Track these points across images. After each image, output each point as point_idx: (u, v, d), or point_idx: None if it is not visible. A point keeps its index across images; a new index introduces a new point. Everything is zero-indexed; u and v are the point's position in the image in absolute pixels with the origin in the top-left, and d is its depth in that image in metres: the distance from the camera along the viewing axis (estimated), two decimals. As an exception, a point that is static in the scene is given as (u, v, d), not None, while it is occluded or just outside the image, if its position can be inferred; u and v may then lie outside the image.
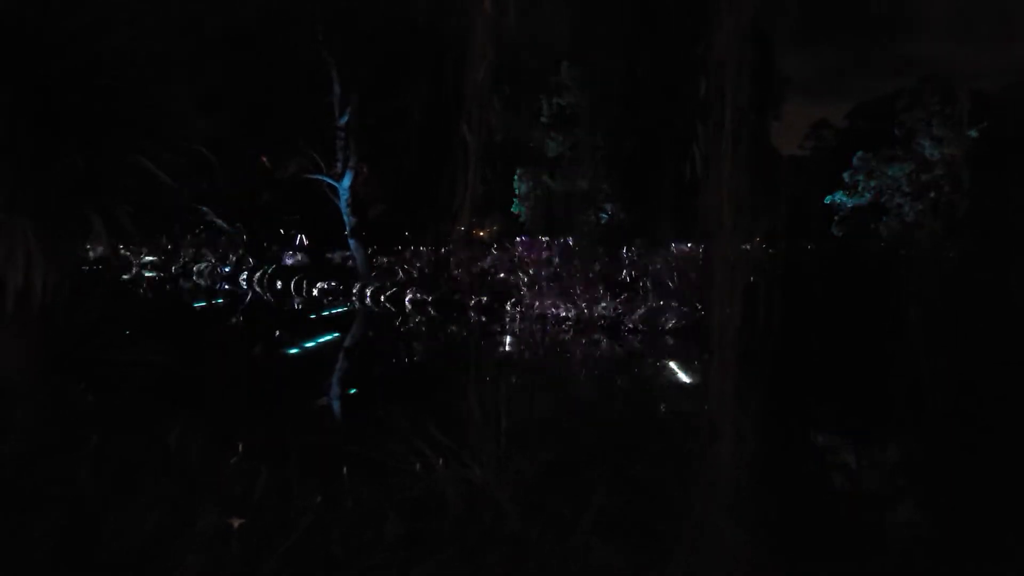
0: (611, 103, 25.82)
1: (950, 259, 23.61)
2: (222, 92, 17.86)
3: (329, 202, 28.15)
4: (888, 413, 11.85)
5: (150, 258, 34.53)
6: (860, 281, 22.37)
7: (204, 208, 29.33)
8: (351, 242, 28.13)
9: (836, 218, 29.52)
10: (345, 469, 4.71)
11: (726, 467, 4.80)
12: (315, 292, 28.10)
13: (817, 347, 16.96)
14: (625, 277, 22.88)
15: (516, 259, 25.12)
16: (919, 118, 27.65)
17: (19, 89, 5.07)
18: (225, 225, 31.20)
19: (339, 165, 27.39)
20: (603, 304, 20.62)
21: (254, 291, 29.32)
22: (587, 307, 20.81)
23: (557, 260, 24.24)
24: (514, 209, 29.22)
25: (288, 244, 34.16)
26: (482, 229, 28.10)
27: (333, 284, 28.02)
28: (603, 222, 27.89)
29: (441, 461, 4.71)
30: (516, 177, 28.85)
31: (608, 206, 28.19)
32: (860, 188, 28.77)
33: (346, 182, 27.52)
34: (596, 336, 19.30)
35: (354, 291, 27.10)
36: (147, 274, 33.62)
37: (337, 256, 31.68)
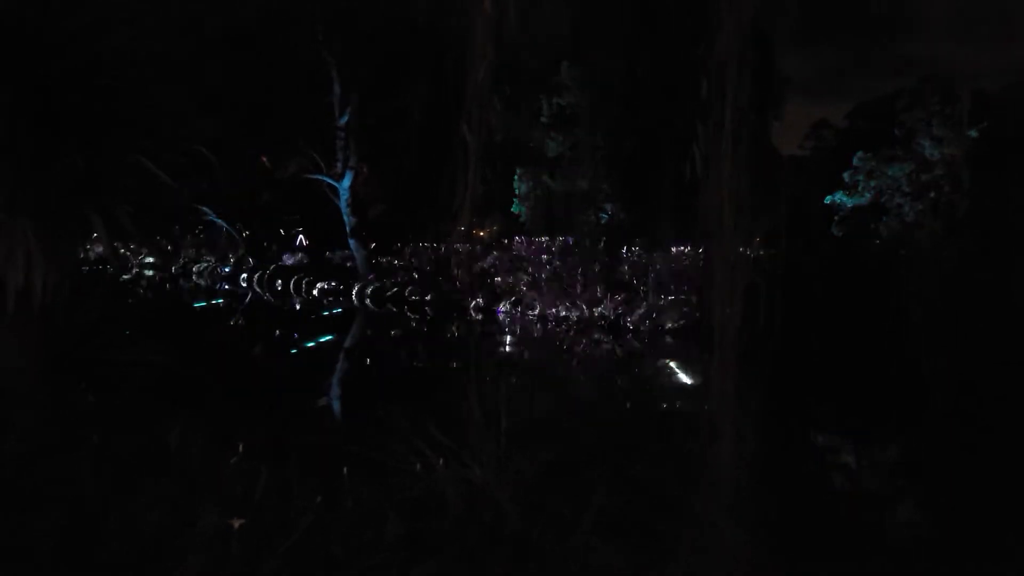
0: (611, 103, 25.81)
1: (950, 259, 23.59)
2: (222, 92, 17.84)
3: (329, 202, 28.14)
4: (888, 413, 11.85)
5: (150, 259, 34.53)
6: (860, 281, 22.37)
7: (204, 208, 29.30)
8: (351, 242, 28.12)
9: (836, 218, 29.50)
10: (345, 469, 4.72)
11: (726, 467, 4.80)
12: (315, 292, 28.10)
13: (817, 347, 16.96)
14: (625, 277, 22.88)
15: (516, 259, 25.11)
16: (919, 118, 27.63)
17: (19, 89, 5.07)
18: (225, 225, 31.19)
19: (339, 165, 27.38)
20: (603, 304, 20.62)
21: (254, 291, 29.32)
22: (587, 307, 20.81)
23: (557, 260, 24.24)
24: (514, 209, 29.21)
25: (288, 244, 34.16)
26: (482, 229, 28.09)
27: (333, 284, 28.01)
28: (603, 222, 27.88)
29: (441, 461, 4.71)
30: (516, 177, 28.84)
31: (608, 206, 28.18)
32: (860, 188, 28.76)
33: (346, 182, 27.52)
34: (596, 336, 19.30)
35: (354, 291, 27.10)
36: (147, 273, 33.63)
37: (337, 256, 31.68)
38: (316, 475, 4.56)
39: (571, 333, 19.80)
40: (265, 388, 10.96)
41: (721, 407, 4.98)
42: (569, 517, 4.16)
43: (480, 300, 23.35)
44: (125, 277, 30.03)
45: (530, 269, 23.79)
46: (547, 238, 25.97)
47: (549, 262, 24.07)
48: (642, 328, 19.54)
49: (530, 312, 21.88)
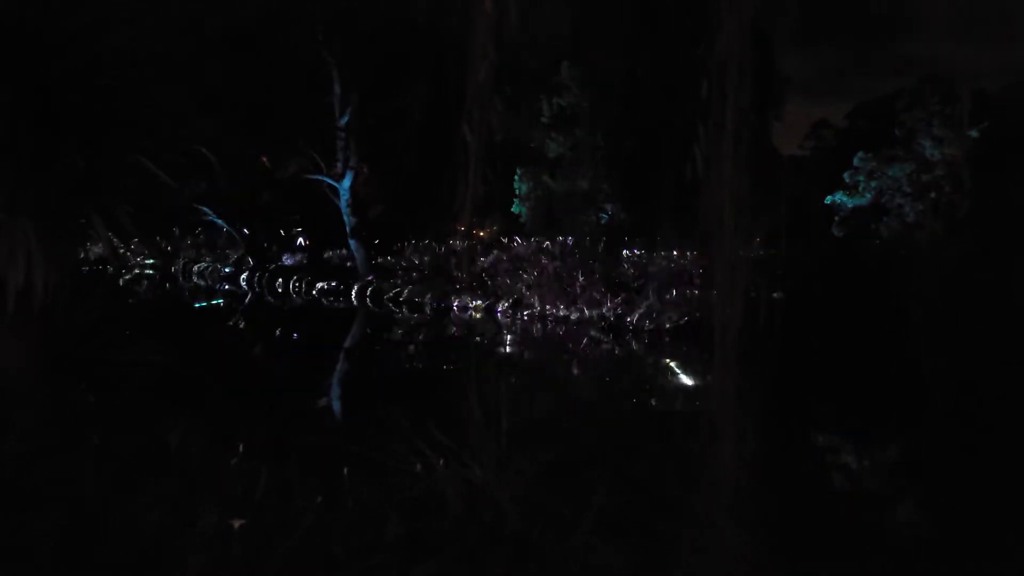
0: (611, 103, 25.84)
1: (950, 259, 23.60)
2: (222, 92, 17.87)
3: (329, 202, 28.13)
4: (888, 413, 11.85)
5: (150, 260, 34.53)
6: (860, 281, 22.37)
7: (204, 208, 29.32)
8: (351, 242, 28.12)
9: (836, 218, 29.53)
10: (345, 469, 4.71)
11: (726, 467, 4.79)
12: (315, 292, 28.11)
13: (817, 347, 16.96)
14: (624, 277, 22.89)
15: (515, 259, 25.11)
16: (919, 118, 27.66)
17: (19, 89, 5.07)
18: (225, 225, 31.19)
19: (339, 165, 27.38)
20: (602, 304, 20.62)
21: (254, 291, 29.33)
22: (586, 307, 20.81)
23: (556, 260, 24.24)
24: (514, 209, 29.23)
25: (288, 244, 34.17)
26: (482, 229, 28.10)
27: (333, 284, 28.02)
28: (603, 222, 27.90)
29: (441, 461, 4.71)
30: (516, 177, 28.86)
31: (608, 206, 28.20)
32: (860, 188, 28.79)
33: (346, 182, 27.51)
34: (595, 335, 19.30)
35: (354, 291, 27.11)
36: (147, 272, 33.62)
37: (336, 256, 31.69)
38: (316, 475, 4.56)
39: (570, 333, 19.81)
40: (265, 388, 10.97)
41: (721, 407, 4.97)
42: (569, 517, 4.16)
43: (480, 300, 23.35)
44: (126, 277, 30.03)
45: (529, 270, 23.78)
46: (543, 240, 25.98)
47: (548, 262, 24.06)
48: (642, 328, 19.54)
49: (529, 312, 21.89)
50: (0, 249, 5.06)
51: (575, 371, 16.14)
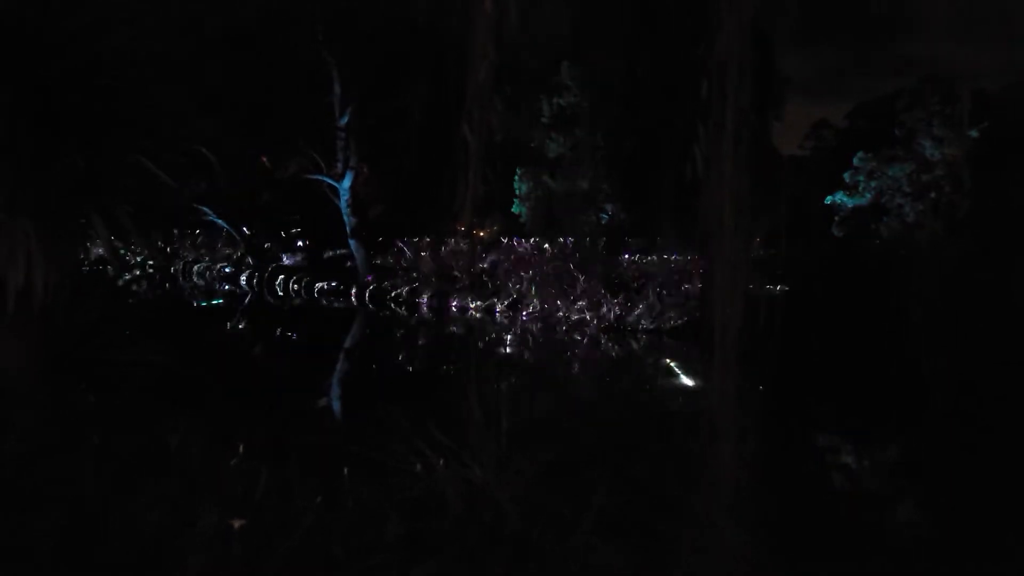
0: (611, 103, 25.84)
1: (950, 259, 23.60)
2: (222, 92, 17.85)
3: (329, 202, 28.13)
4: (888, 413, 11.85)
5: (151, 260, 34.51)
6: (861, 281, 22.37)
7: (204, 208, 29.32)
8: (351, 242, 28.12)
9: (836, 218, 29.51)
10: (345, 469, 4.71)
11: (726, 467, 4.79)
12: (315, 292, 28.11)
13: (817, 347, 16.96)
14: (624, 277, 22.89)
15: (515, 259, 25.11)
16: (919, 118, 27.65)
17: (19, 89, 5.07)
18: (225, 225, 31.19)
19: (339, 165, 27.38)
20: (602, 304, 20.62)
21: (254, 291, 29.33)
22: (586, 307, 20.81)
23: (555, 260, 24.23)
24: (515, 209, 29.22)
25: (288, 244, 34.15)
26: (483, 229, 28.09)
27: (333, 284, 28.02)
28: (603, 222, 27.89)
29: (441, 461, 4.71)
30: (517, 177, 28.85)
31: (608, 206, 28.20)
32: (861, 188, 28.77)
33: (346, 182, 27.51)
34: (595, 335, 19.30)
35: (353, 291, 27.12)
36: (148, 272, 33.60)
37: (337, 256, 31.68)
38: (316, 475, 4.56)
39: (570, 333, 19.80)
40: (265, 388, 10.96)
41: (721, 407, 4.97)
42: (569, 517, 4.16)
43: (479, 300, 23.35)
44: (126, 277, 30.03)
45: (529, 270, 23.77)
46: (543, 240, 25.97)
47: (548, 262, 24.05)
48: (641, 328, 19.54)
49: (528, 312, 21.88)
50: (0, 249, 5.07)
51: (575, 371, 16.14)
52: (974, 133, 27.27)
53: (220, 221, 30.73)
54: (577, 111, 27.79)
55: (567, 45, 26.05)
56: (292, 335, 20.32)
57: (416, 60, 23.29)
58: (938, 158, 27.36)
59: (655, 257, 23.55)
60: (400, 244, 28.95)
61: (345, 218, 27.81)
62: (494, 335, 19.82)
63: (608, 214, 28.24)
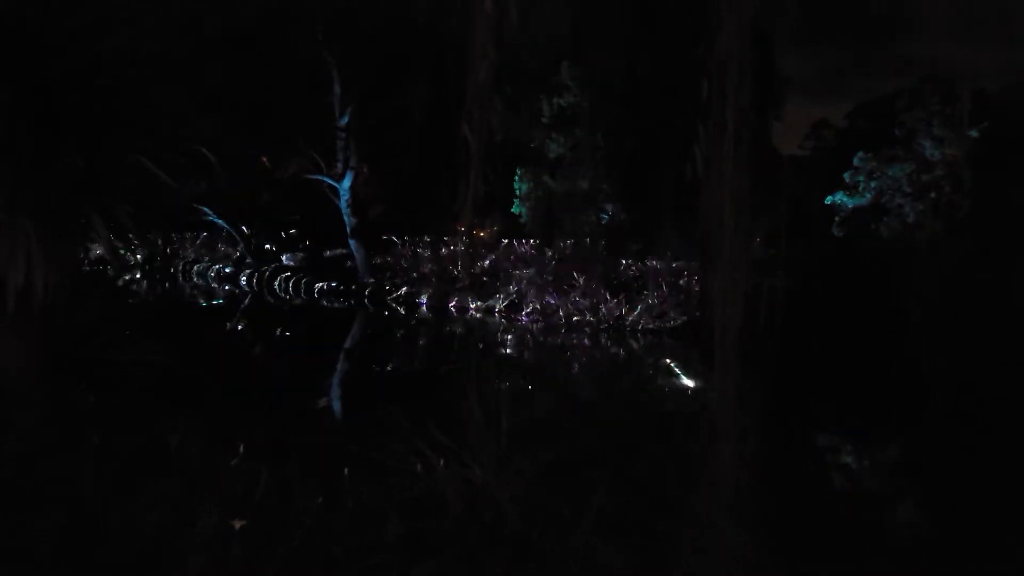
0: (612, 103, 25.83)
1: (951, 259, 23.60)
2: (222, 92, 17.87)
3: (329, 202, 28.12)
4: (888, 413, 11.85)
5: (150, 261, 34.50)
6: (861, 281, 22.38)
7: (204, 208, 29.32)
8: (351, 242, 28.12)
9: (837, 219, 29.50)
10: (346, 469, 4.71)
11: (726, 467, 4.79)
12: (315, 292, 28.11)
13: (817, 347, 16.97)
14: (624, 277, 22.89)
15: (515, 259, 25.12)
16: (920, 118, 27.64)
17: (19, 89, 5.07)
18: (225, 225, 31.18)
19: (339, 165, 27.37)
20: (602, 304, 20.62)
21: (254, 291, 29.32)
22: (586, 307, 20.80)
23: (555, 260, 24.24)
24: (515, 209, 29.21)
25: (288, 244, 34.14)
26: (483, 229, 28.07)
27: (333, 284, 28.02)
28: (604, 222, 27.89)
29: (441, 461, 4.71)
30: (517, 177, 28.85)
31: (609, 206, 28.19)
32: (861, 188, 28.76)
33: (346, 182, 27.51)
34: (595, 335, 19.30)
35: (353, 291, 27.12)
36: (148, 272, 33.61)
37: (337, 256, 31.66)
38: (316, 475, 4.56)
39: (570, 333, 19.81)
40: (265, 388, 10.96)
41: (721, 407, 4.97)
42: (569, 517, 4.16)
43: (479, 300, 23.35)
44: (126, 277, 30.03)
45: (529, 270, 23.77)
46: (543, 240, 25.97)
47: (548, 262, 24.05)
48: (641, 327, 19.54)
49: (528, 312, 21.88)
50: (0, 249, 5.07)
51: (574, 371, 16.14)
52: (974, 133, 27.26)
53: (220, 221, 30.72)
54: (577, 111, 27.78)
55: (567, 45, 26.04)
56: (292, 335, 20.32)
57: (416, 60, 23.29)
58: (938, 158, 27.35)
59: (655, 260, 23.53)
60: (400, 244, 28.95)
61: (345, 218, 27.80)
62: (494, 335, 19.82)
63: (608, 214, 28.24)
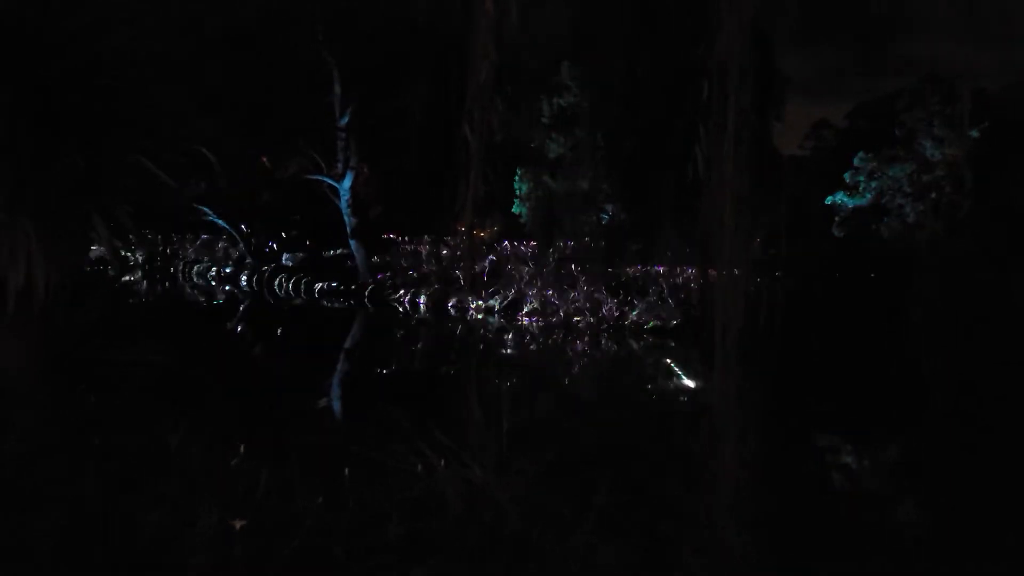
0: (612, 103, 25.82)
1: (951, 259, 23.61)
2: (222, 92, 17.85)
3: (329, 202, 28.13)
4: (888, 413, 11.84)
5: (150, 261, 34.50)
6: (861, 282, 22.38)
7: (204, 208, 29.33)
8: (352, 243, 28.13)
9: (837, 219, 29.49)
10: (346, 470, 4.71)
11: (726, 467, 4.79)
12: (315, 292, 28.12)
13: (817, 347, 16.96)
14: (625, 277, 22.89)
15: (515, 259, 25.11)
16: (920, 118, 27.63)
17: (19, 89, 5.07)
18: (225, 225, 31.18)
19: (339, 165, 27.38)
20: (602, 304, 20.61)
21: (254, 291, 29.32)
22: (586, 307, 20.80)
23: (555, 261, 24.24)
24: (515, 210, 29.21)
25: (288, 244, 34.15)
26: (483, 229, 28.06)
27: (333, 284, 28.02)
28: (604, 222, 27.88)
29: (442, 461, 4.71)
30: (517, 177, 28.84)
31: (609, 207, 28.19)
32: (861, 189, 28.75)
33: (347, 183, 27.51)
34: (595, 335, 19.29)
35: (353, 291, 27.13)
36: (148, 272, 33.61)
37: (337, 256, 31.67)
38: (316, 475, 4.56)
39: (570, 333, 19.80)
40: (265, 388, 10.95)
41: (721, 407, 4.97)
42: (569, 517, 4.15)
43: (479, 300, 23.34)
44: (126, 278, 30.04)
45: (529, 270, 23.76)
46: (543, 240, 25.97)
47: (548, 262, 24.05)
48: (641, 327, 19.54)
49: (528, 312, 21.88)
50: (1, 249, 5.07)
51: (574, 371, 16.13)
52: (975, 133, 27.25)
53: (220, 221, 30.72)
54: (577, 111, 27.79)
55: (567, 45, 26.05)
56: (292, 335, 20.31)
57: (416, 60, 23.28)
58: (938, 158, 27.35)
59: (656, 257, 23.53)
60: (400, 244, 28.96)
61: (345, 218, 27.81)
62: (493, 335, 19.81)
63: (608, 214, 28.23)
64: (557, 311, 21.24)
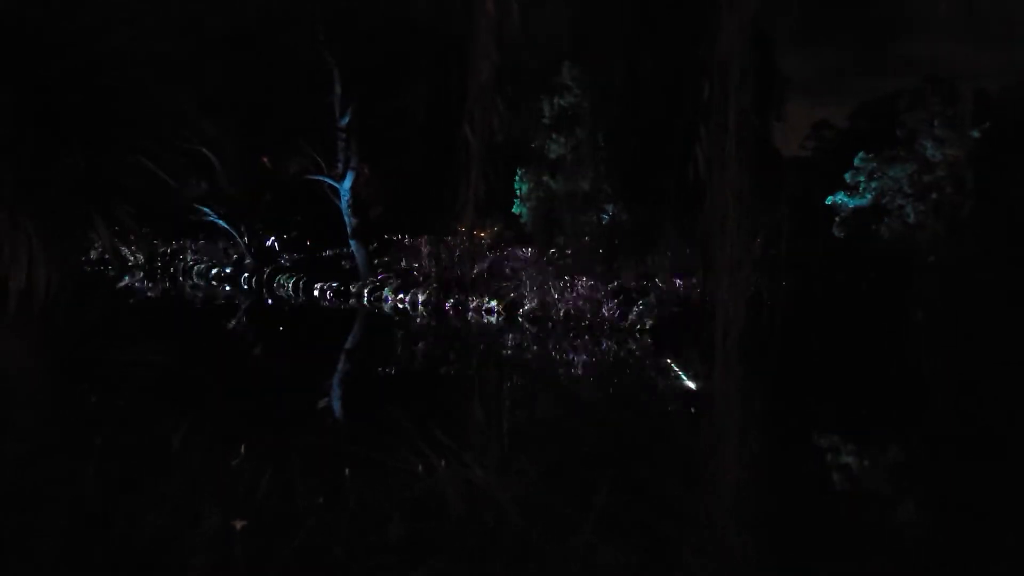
0: (612, 104, 25.81)
1: (952, 260, 23.60)
2: (222, 92, 17.86)
3: (330, 202, 28.14)
4: (888, 413, 11.85)
5: (151, 261, 34.51)
6: (861, 282, 22.38)
7: (204, 208, 29.33)
8: (352, 243, 28.13)
9: (837, 219, 29.46)
10: (347, 470, 4.71)
11: (726, 467, 4.79)
12: (315, 293, 28.12)
13: (818, 347, 16.96)
14: (624, 278, 22.89)
15: (514, 260, 25.12)
16: (921, 119, 27.60)
17: (20, 89, 5.07)
18: (225, 225, 31.18)
19: (340, 166, 27.38)
20: (602, 304, 20.61)
21: (254, 292, 29.33)
22: (586, 307, 20.80)
23: (555, 261, 24.24)
24: (516, 210, 29.20)
25: (288, 244, 34.14)
26: (484, 230, 28.06)
27: (333, 285, 28.02)
28: (604, 223, 27.87)
29: (442, 462, 4.71)
30: (518, 178, 28.83)
31: (610, 207, 28.18)
32: (862, 189, 28.72)
33: (347, 183, 27.52)
34: (595, 335, 19.30)
35: (353, 291, 27.13)
36: (148, 272, 33.61)
37: (337, 256, 31.66)
38: (317, 476, 4.56)
39: (570, 333, 19.80)
40: (265, 388, 10.96)
41: (722, 407, 4.97)
42: (570, 517, 4.15)
43: (479, 301, 23.35)
44: (126, 278, 30.04)
45: (528, 270, 23.77)
46: (543, 240, 25.98)
47: (548, 262, 24.05)
48: (641, 327, 19.54)
49: (528, 312, 21.87)
50: (2, 249, 5.06)
51: (574, 371, 16.13)
52: (975, 133, 27.23)
53: (220, 221, 30.73)
54: (578, 111, 27.77)
55: (567, 45, 26.04)
56: (292, 335, 20.32)
57: (416, 60, 23.30)
58: (939, 159, 27.32)
59: (656, 257, 23.52)
60: (400, 244, 28.95)
61: (346, 218, 27.81)
62: (493, 335, 19.81)
63: (609, 215, 28.22)
64: (557, 311, 21.23)
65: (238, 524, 3.74)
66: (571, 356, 17.71)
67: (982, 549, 6.28)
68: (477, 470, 4.55)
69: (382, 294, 26.01)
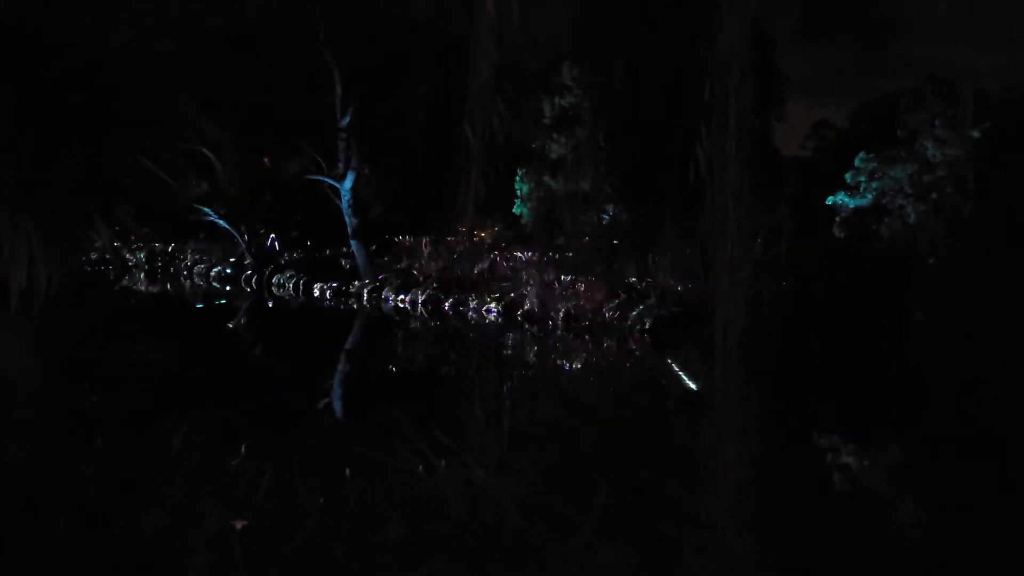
0: (613, 104, 25.81)
1: (952, 260, 23.59)
2: (222, 92, 17.85)
3: (330, 202, 28.14)
4: (888, 413, 11.84)
5: (151, 261, 34.51)
6: (862, 282, 22.37)
7: (204, 208, 29.33)
8: (352, 243, 28.13)
9: (838, 219, 29.45)
10: (347, 470, 4.71)
11: (726, 467, 4.79)
12: (315, 293, 28.12)
13: (818, 347, 16.95)
14: (625, 278, 22.89)
15: (514, 260, 25.11)
16: (921, 119, 27.59)
17: (20, 89, 5.07)
18: (225, 225, 31.18)
19: (340, 166, 27.38)
20: (602, 304, 20.61)
21: (254, 291, 29.33)
22: (586, 307, 20.80)
23: (555, 261, 24.24)
24: (516, 210, 29.19)
25: (288, 244, 34.15)
26: (484, 230, 28.06)
27: (333, 285, 28.02)
28: (605, 223, 27.86)
29: (442, 462, 4.71)
30: (518, 178, 28.83)
31: (610, 207, 28.17)
32: (862, 189, 28.71)
33: (347, 183, 27.52)
34: (595, 335, 19.29)
35: (352, 291, 27.13)
36: (148, 272, 33.62)
37: (337, 256, 31.66)
38: (317, 475, 4.56)
39: (570, 333, 19.80)
40: (265, 388, 10.96)
41: (722, 407, 4.97)
42: (570, 517, 4.15)
43: (479, 301, 23.35)
44: (126, 278, 30.04)
45: (528, 271, 23.77)
46: (543, 240, 25.98)
47: (548, 263, 24.05)
48: (641, 327, 19.54)
49: (528, 312, 21.87)
50: (1, 249, 5.07)
51: (574, 371, 16.13)
52: (976, 134, 27.22)
53: (220, 221, 30.73)
54: (578, 111, 27.76)
55: (567, 45, 26.02)
56: (292, 335, 20.31)
57: (416, 60, 23.30)
58: (940, 159, 27.31)
59: (654, 258, 23.51)
60: (400, 244, 28.95)
61: (346, 218, 27.82)
62: (493, 335, 19.81)
63: (610, 215, 28.21)
64: (557, 311, 21.23)
65: (238, 524, 3.74)
66: (571, 356, 17.71)
67: (982, 549, 6.28)
68: (477, 470, 4.55)
69: (382, 294, 26.01)
